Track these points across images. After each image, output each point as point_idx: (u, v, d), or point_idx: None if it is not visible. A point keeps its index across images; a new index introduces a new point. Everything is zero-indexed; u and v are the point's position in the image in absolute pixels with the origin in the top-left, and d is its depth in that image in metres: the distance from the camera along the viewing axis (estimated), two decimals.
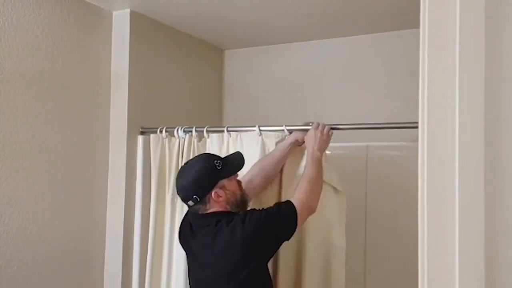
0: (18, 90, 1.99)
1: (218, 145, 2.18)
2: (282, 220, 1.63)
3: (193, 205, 1.67)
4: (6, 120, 1.94)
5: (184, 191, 1.67)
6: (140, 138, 2.41)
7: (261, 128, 2.06)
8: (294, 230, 1.65)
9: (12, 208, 1.96)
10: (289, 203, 1.66)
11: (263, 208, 1.67)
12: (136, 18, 2.42)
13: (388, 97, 2.66)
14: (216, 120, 3.11)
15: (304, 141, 1.93)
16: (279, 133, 2.03)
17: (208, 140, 2.21)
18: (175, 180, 1.75)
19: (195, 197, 1.64)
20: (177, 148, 2.29)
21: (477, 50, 0.78)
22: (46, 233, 2.11)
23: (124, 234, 2.36)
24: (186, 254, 1.83)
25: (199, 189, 1.64)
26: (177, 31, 2.73)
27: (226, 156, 1.78)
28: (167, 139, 2.34)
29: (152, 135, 2.39)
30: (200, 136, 2.26)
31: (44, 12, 2.09)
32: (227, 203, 1.67)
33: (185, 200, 1.68)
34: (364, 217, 2.51)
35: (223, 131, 2.17)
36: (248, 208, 1.74)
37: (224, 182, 1.67)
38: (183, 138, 2.28)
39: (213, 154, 1.80)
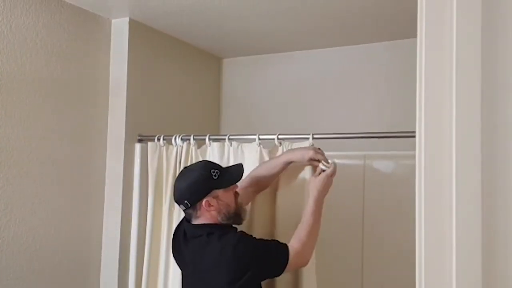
0: (16, 97, 1.99)
1: (219, 154, 2.17)
2: (271, 260, 1.61)
3: (184, 210, 1.69)
4: (3, 127, 1.94)
5: (178, 194, 1.68)
6: (137, 146, 2.41)
7: (261, 136, 2.05)
8: (279, 274, 1.63)
9: (8, 215, 1.96)
10: (285, 248, 1.62)
11: (259, 238, 1.65)
12: (135, 27, 2.43)
13: (385, 106, 2.66)
14: (213, 129, 3.12)
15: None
16: (274, 144, 2.02)
17: (209, 148, 2.21)
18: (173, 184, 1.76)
19: (186, 202, 1.65)
20: (174, 156, 2.29)
21: (474, 60, 0.78)
22: (42, 241, 2.10)
23: (120, 242, 2.35)
24: (178, 262, 1.82)
25: (192, 195, 1.65)
26: (176, 39, 2.74)
27: (227, 167, 1.77)
28: (164, 147, 2.34)
29: (149, 143, 2.39)
30: (199, 144, 2.26)
31: (43, 20, 2.10)
32: (218, 214, 1.66)
33: (177, 203, 1.71)
34: (362, 225, 2.51)
35: (223, 139, 2.17)
36: (243, 221, 1.73)
37: (219, 192, 1.66)
38: (180, 146, 2.28)
39: (213, 163, 1.78)
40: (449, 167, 0.80)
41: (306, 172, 1.91)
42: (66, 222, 2.22)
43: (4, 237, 1.94)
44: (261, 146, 2.05)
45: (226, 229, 1.66)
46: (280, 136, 2.00)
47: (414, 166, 0.86)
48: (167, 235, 2.27)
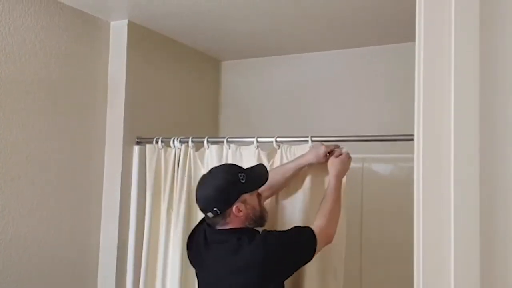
0: (14, 98, 1.99)
1: (217, 156, 2.16)
2: (302, 246, 1.60)
3: (212, 217, 1.62)
4: (1, 129, 1.94)
5: (205, 202, 1.62)
6: (136, 148, 2.40)
7: (259, 139, 2.05)
8: (312, 257, 1.61)
9: (6, 218, 1.95)
10: (309, 230, 1.62)
11: (282, 230, 1.65)
12: (134, 29, 2.43)
13: (383, 109, 2.67)
14: (212, 131, 3.11)
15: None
16: (272, 146, 2.02)
17: (207, 151, 2.21)
18: (196, 189, 1.69)
19: (215, 210, 1.58)
20: (173, 159, 2.29)
21: (472, 63, 0.79)
22: (40, 244, 2.10)
23: (118, 245, 2.34)
24: (195, 266, 1.77)
25: (221, 202, 1.59)
26: (175, 42, 2.74)
27: (248, 168, 1.71)
28: (163, 150, 2.34)
29: (148, 145, 2.39)
30: (197, 147, 2.26)
31: (42, 22, 2.10)
32: (246, 219, 1.62)
33: (204, 211, 1.63)
34: (360, 228, 2.51)
35: (221, 142, 2.17)
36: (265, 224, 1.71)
37: (246, 196, 1.62)
38: (179, 148, 2.28)
39: (237, 166, 1.72)
40: (448, 170, 0.80)
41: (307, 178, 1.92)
42: (64, 224, 2.21)
43: (2, 240, 1.93)
44: (259, 148, 2.05)
45: (253, 232, 1.62)
46: (278, 139, 2.00)
47: (412, 169, 0.86)
48: (165, 238, 2.27)
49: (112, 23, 2.43)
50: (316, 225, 1.64)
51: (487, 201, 0.78)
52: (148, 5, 2.18)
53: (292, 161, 1.90)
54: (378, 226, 2.49)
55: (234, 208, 1.59)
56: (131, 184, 2.39)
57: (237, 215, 1.60)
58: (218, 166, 1.77)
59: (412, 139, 0.88)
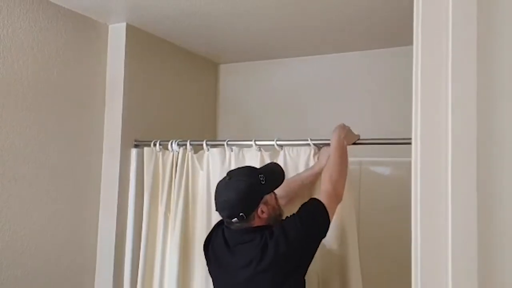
0: (13, 101, 1.99)
1: (220, 159, 2.16)
2: (316, 220, 1.59)
3: (237, 222, 1.60)
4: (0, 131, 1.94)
5: (230, 208, 1.59)
6: (133, 151, 2.40)
7: (257, 142, 2.06)
8: (329, 226, 1.61)
9: (3, 219, 1.94)
10: (317, 202, 1.62)
11: (293, 214, 1.63)
12: (132, 32, 2.43)
13: (381, 112, 2.68)
14: (210, 134, 3.12)
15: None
16: (274, 148, 2.02)
17: (207, 154, 2.21)
18: (215, 196, 1.65)
19: (241, 215, 1.57)
20: (170, 162, 2.29)
21: (470, 67, 0.79)
22: (37, 245, 2.09)
23: (115, 248, 2.34)
24: (214, 268, 1.74)
25: (246, 206, 1.58)
26: (173, 45, 2.75)
27: (264, 168, 1.72)
28: (160, 153, 2.34)
29: (145, 148, 2.39)
30: (196, 150, 2.26)
31: (40, 25, 2.10)
32: (268, 218, 1.62)
33: (230, 217, 1.60)
34: (357, 232, 2.51)
35: (220, 145, 2.17)
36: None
37: (267, 197, 1.62)
38: (177, 151, 2.28)
39: (255, 167, 1.72)
40: (445, 173, 0.80)
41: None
42: (61, 227, 2.21)
43: None
44: (262, 150, 2.05)
45: (270, 227, 1.61)
46: (278, 142, 2.00)
47: (410, 172, 0.87)
48: (162, 241, 2.26)
49: (110, 26, 2.44)
50: (323, 193, 1.65)
51: (484, 203, 0.78)
52: (146, 8, 2.18)
53: (307, 169, 1.91)
54: (375, 229, 2.49)
55: (258, 210, 1.59)
56: (128, 187, 2.39)
57: (261, 216, 1.60)
58: (235, 170, 1.75)
59: (410, 143, 0.88)
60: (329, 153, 1.81)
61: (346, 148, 1.79)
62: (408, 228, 0.86)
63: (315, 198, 1.64)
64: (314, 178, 1.89)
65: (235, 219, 1.59)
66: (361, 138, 2.02)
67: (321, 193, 1.66)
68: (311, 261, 1.63)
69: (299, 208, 1.64)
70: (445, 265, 0.79)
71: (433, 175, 0.82)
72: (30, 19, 2.06)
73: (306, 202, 1.67)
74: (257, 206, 1.59)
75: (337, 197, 1.69)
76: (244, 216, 1.58)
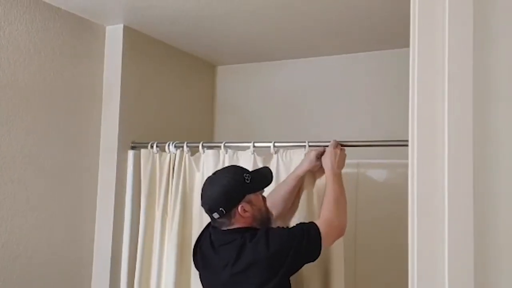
0: (8, 103, 1.98)
1: (214, 161, 2.16)
2: (306, 242, 1.57)
3: (218, 218, 1.63)
4: None
5: (211, 202, 1.63)
6: (130, 153, 2.39)
7: (256, 144, 2.06)
8: (319, 253, 1.59)
9: None
10: (313, 224, 1.61)
11: (286, 227, 1.65)
12: (129, 33, 2.43)
13: (378, 114, 2.68)
14: (207, 136, 3.11)
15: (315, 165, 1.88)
16: (269, 151, 2.02)
17: (203, 156, 2.20)
18: (201, 192, 1.69)
19: (221, 210, 1.60)
20: (168, 164, 2.28)
21: (466, 69, 0.79)
22: (33, 249, 2.08)
23: (112, 250, 2.33)
24: (200, 269, 1.76)
25: (226, 202, 1.60)
26: (170, 46, 2.74)
27: (254, 170, 1.75)
28: (158, 154, 2.33)
29: (142, 150, 2.38)
30: (193, 151, 2.26)
31: (37, 26, 2.09)
32: (253, 220, 1.63)
33: (210, 211, 1.64)
34: (354, 233, 2.51)
35: (217, 147, 2.17)
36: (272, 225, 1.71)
37: (251, 197, 1.63)
38: (174, 153, 2.27)
39: (241, 167, 1.74)
40: (442, 175, 0.80)
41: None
42: (57, 229, 2.20)
43: None
44: (255, 154, 2.05)
45: (255, 230, 1.61)
46: (276, 144, 2.00)
47: (407, 174, 0.87)
48: (159, 243, 2.25)
49: (107, 27, 2.43)
50: (321, 220, 1.64)
51: (481, 205, 0.78)
52: (143, 10, 2.18)
53: (290, 174, 1.92)
54: (372, 231, 2.49)
55: (239, 207, 1.60)
56: (125, 189, 2.38)
57: (243, 215, 1.61)
58: (223, 168, 1.79)
59: (407, 145, 0.88)
60: (312, 161, 1.85)
61: (341, 177, 1.81)
62: (405, 230, 0.86)
63: (314, 223, 1.62)
64: (298, 183, 1.89)
65: (215, 213, 1.61)
66: (359, 140, 2.02)
67: (323, 221, 1.64)
68: (290, 275, 1.61)
69: (295, 225, 1.66)
70: (442, 266, 0.79)
71: (430, 177, 0.82)
72: (27, 21, 2.05)
73: (304, 223, 1.67)
74: (238, 203, 1.60)
75: (339, 228, 1.68)
76: (224, 211, 1.60)
